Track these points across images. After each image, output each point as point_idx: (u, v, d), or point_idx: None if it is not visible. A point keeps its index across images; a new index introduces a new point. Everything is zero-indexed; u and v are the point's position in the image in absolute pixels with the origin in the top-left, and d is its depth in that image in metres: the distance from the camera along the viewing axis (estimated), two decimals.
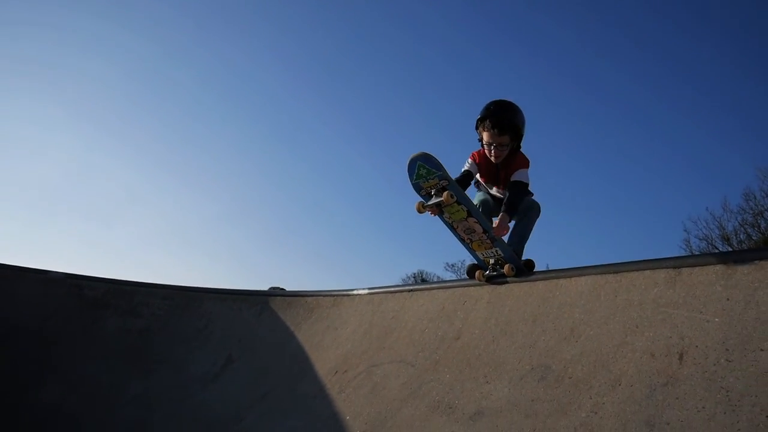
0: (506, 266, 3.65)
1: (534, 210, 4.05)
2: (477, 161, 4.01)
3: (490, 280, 3.78)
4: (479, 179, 4.15)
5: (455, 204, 3.46)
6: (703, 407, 2.18)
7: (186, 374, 5.35)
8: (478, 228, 3.63)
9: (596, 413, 2.47)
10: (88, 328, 6.39)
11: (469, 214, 3.56)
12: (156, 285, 6.94)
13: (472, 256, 3.92)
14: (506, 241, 3.89)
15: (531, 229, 4.06)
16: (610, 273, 3.15)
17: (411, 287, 4.65)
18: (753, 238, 26.75)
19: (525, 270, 3.69)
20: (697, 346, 2.43)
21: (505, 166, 3.97)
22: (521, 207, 3.98)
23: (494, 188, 4.17)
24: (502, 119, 3.75)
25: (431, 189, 3.45)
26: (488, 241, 3.68)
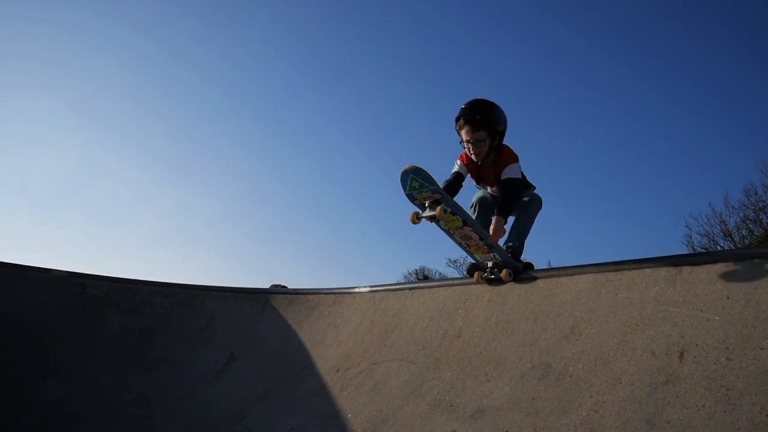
0: (504, 271, 3.65)
1: (534, 204, 4.01)
2: (465, 162, 4.00)
3: (489, 282, 3.79)
4: (473, 181, 4.13)
5: (450, 214, 3.47)
6: (704, 406, 2.19)
7: (188, 372, 5.37)
8: (475, 236, 3.62)
9: (597, 412, 2.48)
10: (90, 326, 6.41)
11: (465, 223, 3.56)
12: (158, 283, 6.97)
13: (470, 258, 3.93)
14: (506, 237, 3.89)
15: (531, 225, 4.03)
16: (611, 271, 3.16)
17: (412, 285, 4.66)
18: (755, 233, 26.72)
19: (523, 272, 3.69)
20: (697, 345, 2.44)
21: (493, 164, 3.93)
22: (521, 202, 3.96)
23: (488, 188, 4.15)
24: (474, 115, 3.75)
25: (425, 201, 3.45)
26: (485, 246, 3.68)
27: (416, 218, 3.49)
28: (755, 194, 27.11)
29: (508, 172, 3.85)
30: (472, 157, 3.88)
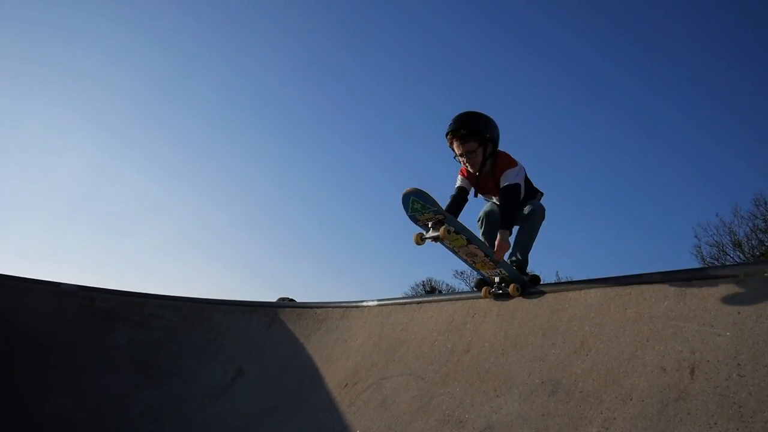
0: (511, 286, 3.66)
1: (536, 215, 3.92)
2: (465, 175, 4.00)
3: (496, 297, 3.78)
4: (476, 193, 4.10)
5: (454, 233, 3.48)
6: (716, 423, 2.17)
7: (197, 386, 5.37)
8: (480, 252, 3.63)
9: (607, 429, 2.46)
10: (99, 340, 6.45)
11: (469, 242, 3.57)
12: (166, 297, 7.01)
13: (477, 273, 3.93)
14: (510, 251, 3.87)
15: (535, 237, 3.97)
16: (620, 285, 3.15)
17: (420, 299, 4.66)
18: (765, 243, 26.45)
19: (531, 286, 3.69)
20: (708, 361, 2.42)
21: (492, 173, 3.91)
22: (522, 215, 3.91)
23: (493, 198, 4.13)
24: (460, 128, 3.78)
25: (428, 222, 3.46)
26: (491, 263, 3.68)
27: (420, 239, 3.49)
28: (765, 204, 26.90)
29: (506, 178, 3.80)
30: (470, 169, 3.90)
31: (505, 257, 3.72)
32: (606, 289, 3.19)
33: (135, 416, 5.17)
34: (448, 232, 3.40)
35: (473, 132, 3.78)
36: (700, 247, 28.29)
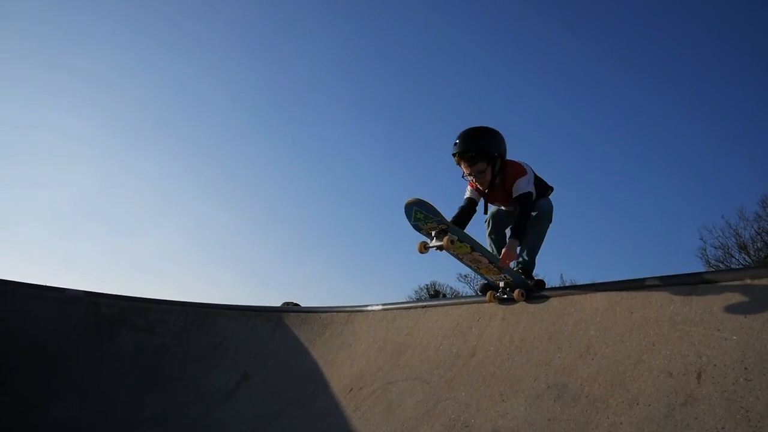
0: (516, 291, 3.65)
1: (544, 218, 3.91)
2: (475, 188, 3.93)
3: (501, 302, 3.78)
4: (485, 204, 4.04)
5: (458, 242, 3.48)
6: (723, 428, 2.16)
7: (202, 391, 5.38)
8: (484, 259, 3.62)
9: None
10: (105, 345, 6.47)
11: (473, 249, 3.56)
12: (171, 302, 7.03)
13: (482, 278, 3.92)
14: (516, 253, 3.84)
15: (542, 239, 3.96)
16: (626, 290, 3.14)
17: (425, 303, 4.66)
18: None
19: (535, 291, 3.68)
20: (715, 365, 2.42)
21: (501, 184, 3.87)
22: (531, 216, 3.85)
23: (503, 207, 4.13)
24: (468, 150, 3.71)
25: (431, 231, 3.46)
26: (495, 269, 3.67)
27: (424, 248, 3.47)
28: None
29: (518, 188, 3.77)
30: (480, 187, 3.87)
31: (511, 265, 3.71)
32: (611, 293, 3.19)
33: (141, 421, 5.18)
34: (452, 242, 3.39)
35: (480, 153, 3.71)
36: (705, 250, 28.15)
